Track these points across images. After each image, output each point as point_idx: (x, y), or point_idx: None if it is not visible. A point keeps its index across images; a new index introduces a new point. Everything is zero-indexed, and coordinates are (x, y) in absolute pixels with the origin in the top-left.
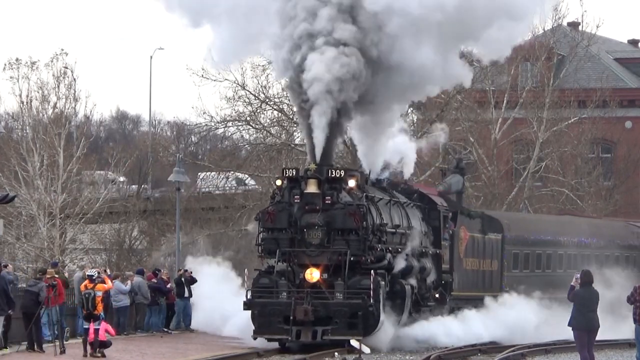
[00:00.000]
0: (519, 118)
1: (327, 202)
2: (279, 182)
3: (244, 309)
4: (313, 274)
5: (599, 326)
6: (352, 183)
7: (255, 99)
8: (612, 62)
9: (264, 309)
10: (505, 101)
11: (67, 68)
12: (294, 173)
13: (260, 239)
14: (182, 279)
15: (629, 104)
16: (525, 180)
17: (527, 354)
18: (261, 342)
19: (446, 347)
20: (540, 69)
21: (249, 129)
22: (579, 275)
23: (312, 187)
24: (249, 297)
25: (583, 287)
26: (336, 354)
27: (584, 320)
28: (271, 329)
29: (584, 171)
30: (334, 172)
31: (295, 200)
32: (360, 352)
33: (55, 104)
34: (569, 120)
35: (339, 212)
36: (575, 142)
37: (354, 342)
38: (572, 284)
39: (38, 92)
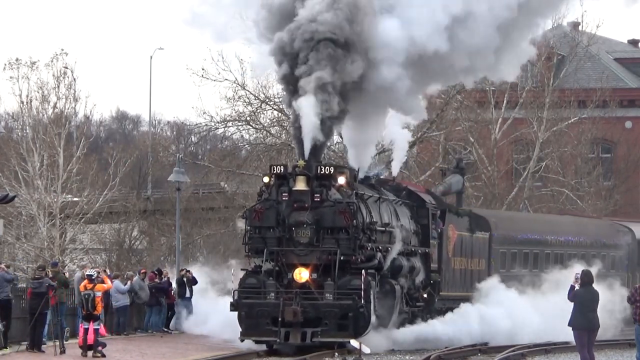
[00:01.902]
0: (519, 118)
1: (316, 199)
2: (266, 179)
3: (231, 310)
4: (302, 274)
5: (599, 326)
6: (341, 180)
7: (255, 99)
8: (612, 62)
9: (251, 310)
10: (505, 101)
11: (67, 68)
12: (282, 170)
13: (247, 238)
14: (184, 279)
15: (629, 104)
16: (525, 180)
17: (527, 354)
18: (248, 344)
19: (446, 347)
20: (540, 69)
21: (249, 129)
22: (579, 275)
23: (300, 184)
24: (235, 297)
25: (583, 287)
26: (336, 354)
27: (584, 320)
28: (259, 331)
29: (584, 171)
30: (323, 169)
31: (284, 198)
32: (360, 352)
33: (55, 104)
34: (569, 120)
35: (328, 210)
36: (575, 142)
37: (354, 342)
38: (572, 283)
39: (38, 92)
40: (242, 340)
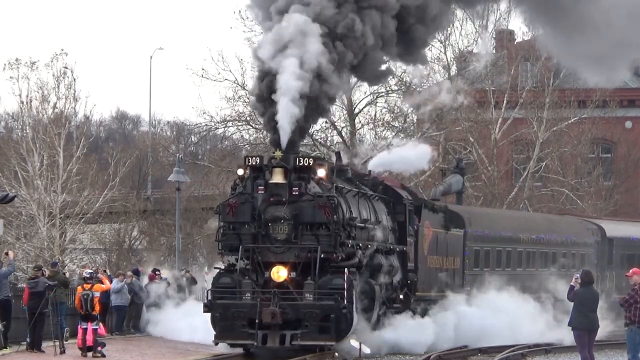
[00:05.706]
0: (519, 118)
1: (294, 193)
2: (240, 172)
3: (204, 312)
4: (280, 273)
5: (599, 326)
6: (321, 173)
7: None
8: None
9: (226, 312)
10: (505, 101)
11: (67, 68)
12: (258, 161)
13: (220, 234)
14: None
15: (629, 104)
16: (525, 180)
17: (527, 354)
18: (224, 347)
19: (449, 349)
20: (540, 69)
21: (249, 129)
22: (579, 275)
23: (277, 177)
24: (209, 298)
25: (583, 287)
26: (336, 354)
27: (585, 320)
28: (234, 334)
29: (584, 171)
30: (301, 161)
31: (259, 192)
32: (360, 352)
33: (55, 104)
34: (569, 120)
35: (307, 205)
36: (575, 142)
37: (353, 343)
38: (572, 283)
39: (38, 92)
40: (216, 344)
